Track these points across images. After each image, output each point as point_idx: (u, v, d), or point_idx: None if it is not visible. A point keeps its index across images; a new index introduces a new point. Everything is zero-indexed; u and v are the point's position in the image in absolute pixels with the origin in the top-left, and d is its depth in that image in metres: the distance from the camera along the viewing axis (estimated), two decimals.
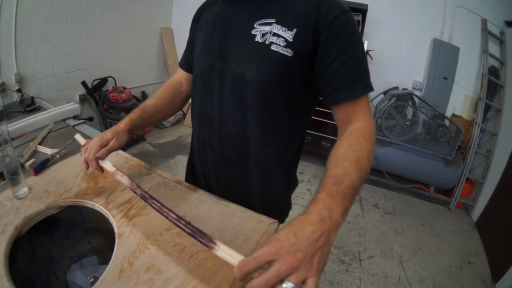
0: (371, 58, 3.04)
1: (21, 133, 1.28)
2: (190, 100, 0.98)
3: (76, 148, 1.04)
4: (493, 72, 2.85)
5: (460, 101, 3.04)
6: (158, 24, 3.97)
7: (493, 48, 2.88)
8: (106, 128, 2.98)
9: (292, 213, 0.84)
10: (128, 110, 2.95)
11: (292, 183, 0.90)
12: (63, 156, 0.99)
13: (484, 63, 2.81)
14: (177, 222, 0.51)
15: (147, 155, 3.03)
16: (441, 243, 2.32)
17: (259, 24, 0.66)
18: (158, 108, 0.87)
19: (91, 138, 0.82)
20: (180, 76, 0.94)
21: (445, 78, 2.92)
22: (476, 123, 2.79)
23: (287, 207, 0.92)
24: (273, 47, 0.64)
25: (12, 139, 1.15)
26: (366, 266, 2.01)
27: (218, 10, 0.76)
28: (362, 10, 2.79)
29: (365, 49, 2.69)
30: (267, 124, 0.71)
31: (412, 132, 2.69)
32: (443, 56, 2.90)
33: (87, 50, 3.07)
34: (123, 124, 0.79)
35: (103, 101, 2.97)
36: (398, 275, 1.96)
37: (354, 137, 0.60)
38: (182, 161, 2.95)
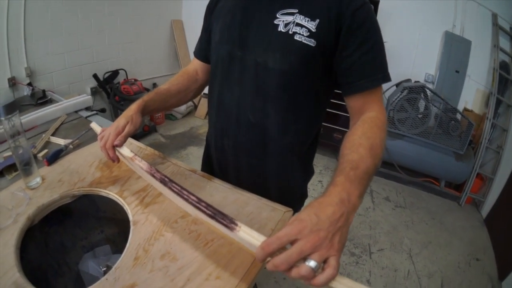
0: None
1: (34, 124, 1.29)
2: (203, 91, 0.98)
3: (89, 138, 1.04)
4: (504, 67, 2.80)
5: (471, 95, 2.99)
6: (168, 16, 3.96)
7: (504, 43, 2.82)
8: None
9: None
10: None
11: (308, 172, 0.90)
12: (77, 147, 1.00)
13: (495, 58, 2.76)
14: (197, 205, 0.51)
15: (159, 146, 3.03)
16: (451, 238, 2.30)
17: (282, 14, 0.66)
18: (172, 93, 0.86)
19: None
20: (195, 65, 0.93)
21: (457, 72, 2.86)
22: (487, 118, 2.74)
23: (303, 195, 0.93)
24: (297, 37, 0.64)
25: (25, 131, 1.16)
26: (376, 259, 2.00)
27: None
28: (374, 2, 2.74)
29: None
30: (287, 113, 0.72)
31: (424, 125, 2.65)
32: (455, 49, 2.84)
33: (98, 43, 3.08)
34: (135, 105, 0.77)
35: (114, 93, 2.98)
36: (408, 269, 1.95)
37: (368, 126, 0.61)
38: (194, 152, 2.96)
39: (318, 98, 0.74)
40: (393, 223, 2.37)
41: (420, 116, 2.66)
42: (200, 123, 3.55)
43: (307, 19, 0.64)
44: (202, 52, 0.89)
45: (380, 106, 0.67)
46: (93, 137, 1.05)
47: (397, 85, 2.84)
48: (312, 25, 0.63)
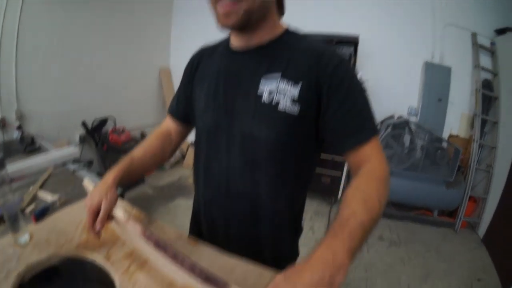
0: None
1: (21, 175, 1.30)
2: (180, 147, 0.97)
3: (76, 195, 1.04)
4: (487, 85, 2.86)
5: (456, 120, 3.04)
6: (156, 64, 4.06)
7: (485, 61, 2.89)
8: (106, 169, 2.96)
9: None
10: (127, 153, 2.95)
11: (298, 230, 0.88)
12: (64, 203, 1.00)
13: (477, 78, 2.83)
14: (192, 268, 0.51)
15: (146, 198, 2.97)
16: (449, 266, 2.27)
17: (265, 80, 0.67)
18: (148, 158, 0.85)
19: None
20: (169, 125, 0.92)
21: (440, 100, 2.94)
22: (474, 140, 2.79)
23: (294, 254, 0.90)
24: (281, 107, 0.65)
25: (12, 180, 1.16)
26: None
27: (219, 63, 0.76)
28: (354, 42, 2.83)
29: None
30: (277, 180, 0.71)
31: (411, 159, 2.67)
32: (436, 78, 2.93)
33: (88, 89, 3.12)
34: (111, 178, 0.73)
35: (102, 142, 2.95)
36: None
37: (363, 179, 0.59)
38: (182, 204, 2.90)
39: (307, 159, 0.74)
40: (389, 262, 2.33)
41: (406, 151, 2.68)
42: (188, 173, 3.53)
43: (290, 82, 0.65)
44: (179, 112, 0.89)
45: (378, 157, 0.64)
46: (79, 194, 1.04)
47: (381, 122, 2.88)
48: (295, 91, 0.64)
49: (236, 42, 0.73)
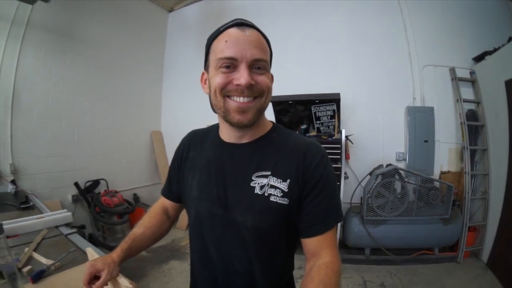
0: (352, 143, 3.09)
1: (16, 233, 1.36)
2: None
3: (70, 262, 1.10)
4: (471, 116, 2.89)
5: (445, 157, 3.05)
6: (148, 127, 4.19)
7: (467, 92, 2.93)
8: (98, 230, 2.96)
9: None
10: (120, 215, 2.95)
11: None
12: (58, 268, 1.04)
13: (461, 111, 2.87)
14: None
15: (141, 260, 2.87)
16: None
17: (256, 177, 0.72)
18: (148, 236, 0.89)
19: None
20: (165, 204, 0.96)
21: (426, 141, 2.99)
22: (465, 172, 2.80)
23: None
24: (272, 198, 0.70)
25: (7, 237, 1.18)
26: None
27: (210, 153, 0.80)
28: (336, 100, 2.92)
29: (344, 136, 2.71)
30: (268, 259, 0.75)
31: (404, 204, 2.63)
32: (420, 121, 3.00)
33: (80, 151, 3.20)
34: (115, 254, 0.79)
35: (95, 204, 2.96)
36: None
37: (324, 272, 0.66)
38: (176, 266, 2.77)
39: (293, 238, 0.78)
40: None
41: (398, 196, 2.65)
42: (181, 235, 3.49)
43: (279, 180, 0.71)
44: (172, 194, 0.93)
45: (334, 250, 0.71)
46: (73, 260, 1.11)
47: (370, 173, 2.88)
48: (284, 186, 0.71)
49: (228, 135, 0.78)
